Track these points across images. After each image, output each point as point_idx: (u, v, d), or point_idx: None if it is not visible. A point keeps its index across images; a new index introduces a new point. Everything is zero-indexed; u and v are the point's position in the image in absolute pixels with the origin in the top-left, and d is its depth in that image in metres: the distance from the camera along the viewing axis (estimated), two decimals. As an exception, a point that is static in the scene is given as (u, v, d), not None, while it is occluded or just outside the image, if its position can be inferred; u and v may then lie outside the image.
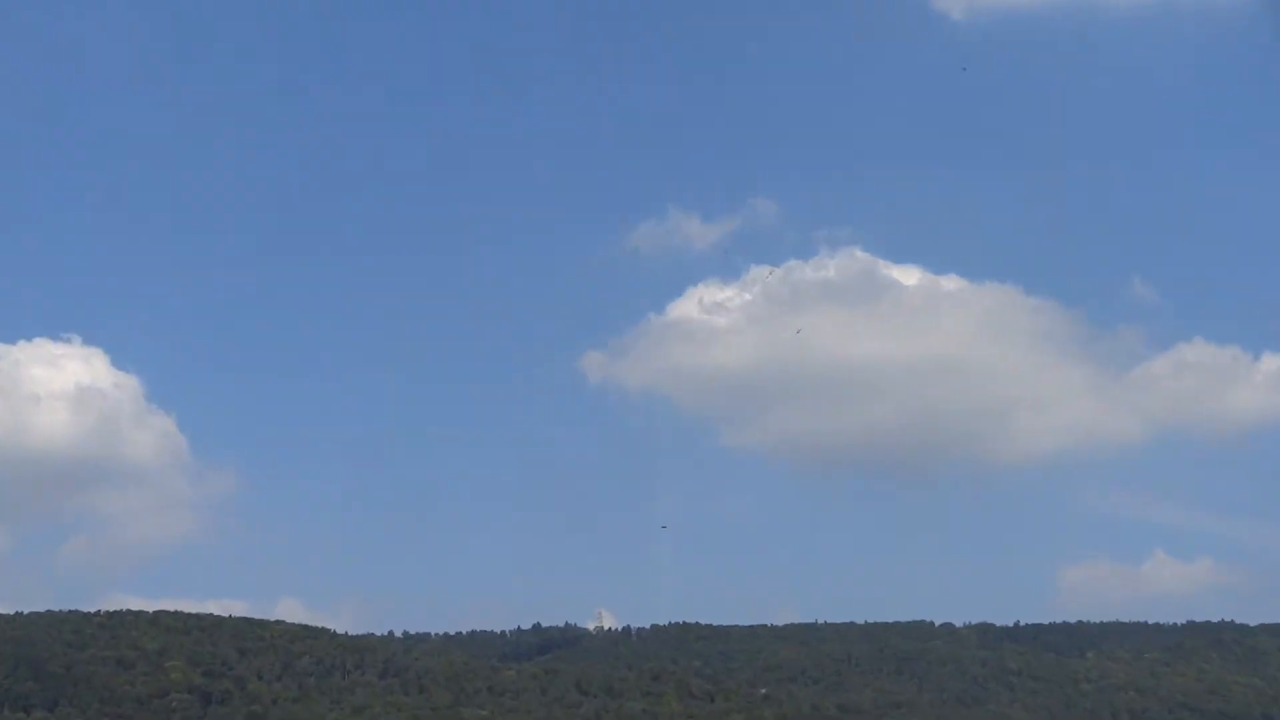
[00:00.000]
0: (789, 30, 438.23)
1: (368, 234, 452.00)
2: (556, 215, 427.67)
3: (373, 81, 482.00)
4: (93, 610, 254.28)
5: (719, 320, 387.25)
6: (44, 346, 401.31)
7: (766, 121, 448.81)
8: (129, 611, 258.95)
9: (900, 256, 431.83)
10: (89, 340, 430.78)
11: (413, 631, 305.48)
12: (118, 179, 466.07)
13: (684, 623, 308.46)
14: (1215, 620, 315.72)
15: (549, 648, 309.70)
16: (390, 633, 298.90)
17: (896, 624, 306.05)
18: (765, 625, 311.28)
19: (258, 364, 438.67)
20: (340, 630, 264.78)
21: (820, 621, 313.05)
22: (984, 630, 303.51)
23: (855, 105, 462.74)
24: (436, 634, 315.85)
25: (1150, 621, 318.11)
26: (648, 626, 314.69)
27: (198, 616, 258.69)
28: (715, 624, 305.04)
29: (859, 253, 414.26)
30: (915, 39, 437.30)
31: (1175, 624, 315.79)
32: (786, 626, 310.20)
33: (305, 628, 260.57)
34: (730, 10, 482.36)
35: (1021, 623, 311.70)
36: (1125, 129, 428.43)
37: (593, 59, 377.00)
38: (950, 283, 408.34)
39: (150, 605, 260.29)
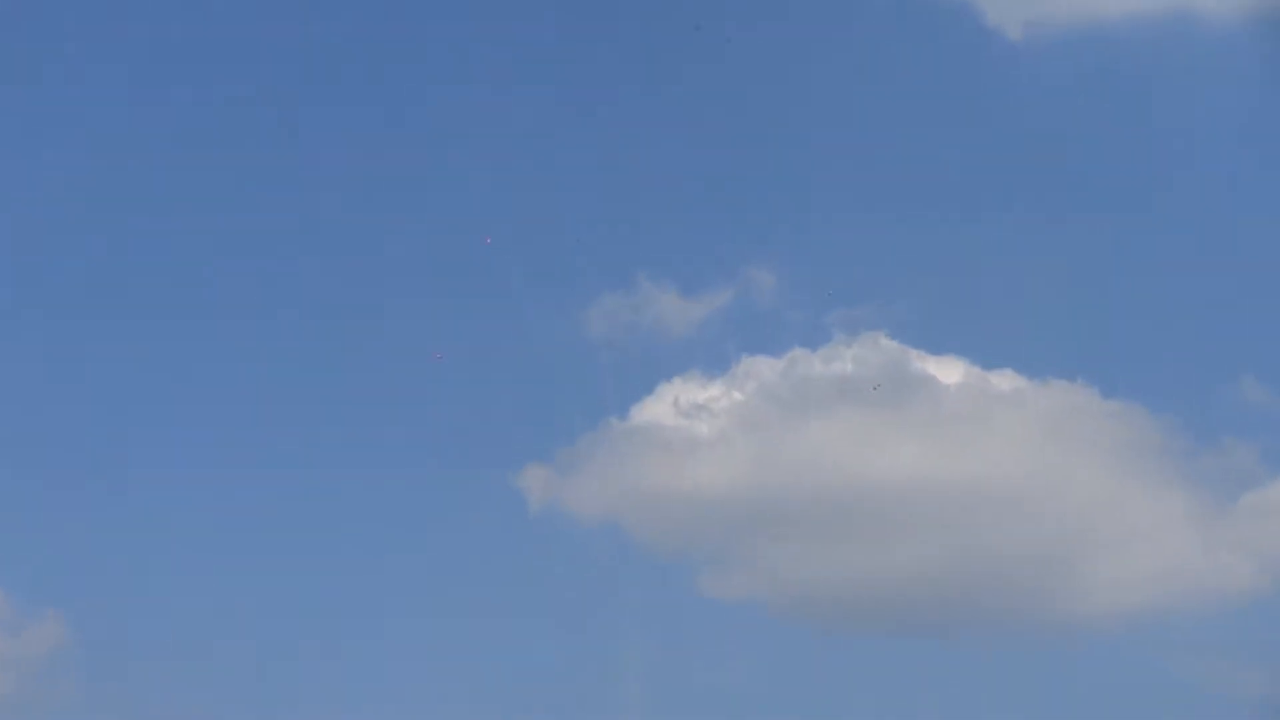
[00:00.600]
0: (800, 44, 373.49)
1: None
2: (490, 284, 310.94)
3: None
4: None
5: (701, 427, 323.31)
6: None
7: (769, 167, 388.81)
8: None
9: (939, 346, 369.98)
10: None
11: None
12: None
13: None
14: None
15: None
16: None
17: None
18: None
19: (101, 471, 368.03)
20: None
21: None
22: None
23: (879, 150, 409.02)
24: None
25: None
26: None
27: None
28: None
29: (884, 340, 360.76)
30: (965, 59, 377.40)
31: None
32: None
33: None
34: (722, 11, 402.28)
35: None
36: (1233, 186, 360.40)
37: (541, 71, 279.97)
38: (1004, 380, 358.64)
39: None
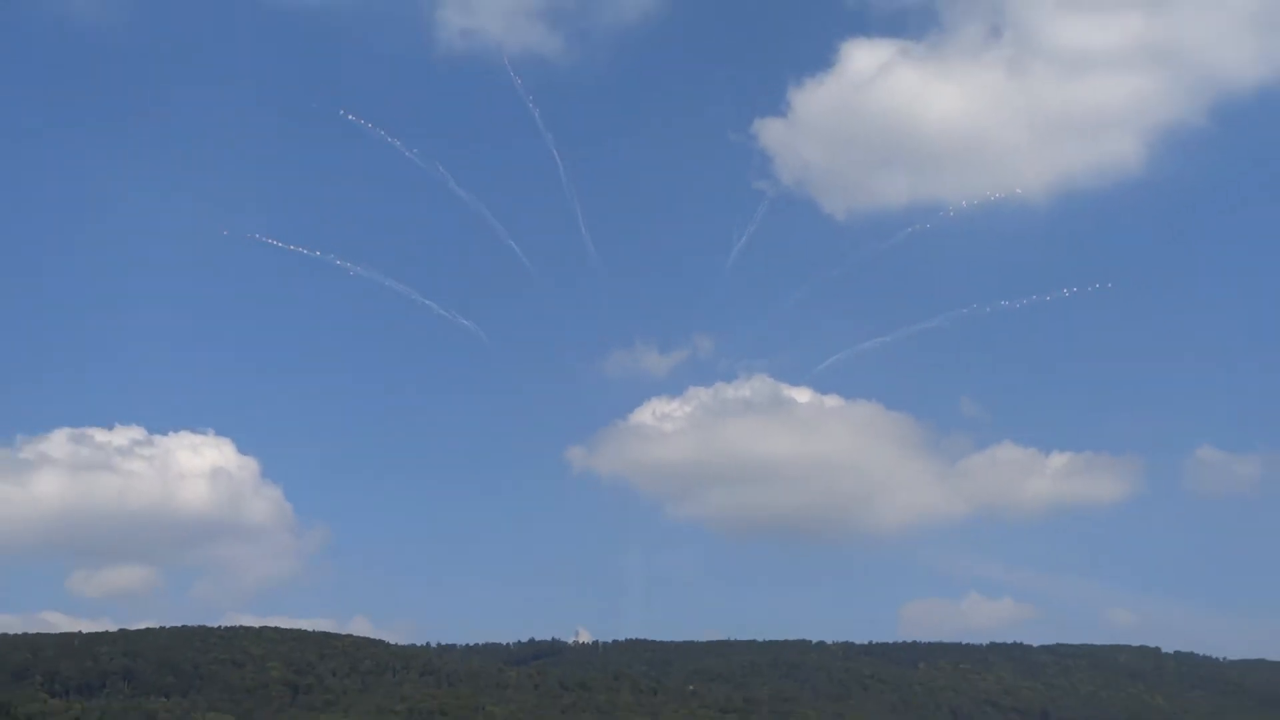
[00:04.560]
0: (711, 229, 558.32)
1: (423, 352, 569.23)
2: (554, 345, 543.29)
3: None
4: (216, 626, 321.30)
5: (667, 426, 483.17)
6: (188, 437, 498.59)
7: (707, 281, 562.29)
8: (242, 627, 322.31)
9: (795, 381, 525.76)
10: (220, 432, 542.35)
11: (444, 643, 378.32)
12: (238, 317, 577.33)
13: (638, 639, 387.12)
14: (1009, 642, 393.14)
15: (540, 655, 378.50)
16: (428, 643, 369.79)
17: (786, 641, 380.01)
18: (694, 641, 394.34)
19: (341, 452, 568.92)
20: (393, 641, 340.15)
21: (734, 639, 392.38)
22: (847, 647, 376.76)
23: (764, 273, 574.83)
24: (460, 644, 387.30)
25: (964, 642, 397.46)
26: (611, 641, 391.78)
27: (292, 631, 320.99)
28: (659, 640, 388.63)
29: (767, 378, 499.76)
30: (807, 232, 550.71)
31: (982, 644, 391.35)
32: (709, 642, 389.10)
33: (368, 640, 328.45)
34: (681, 207, 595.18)
35: (873, 641, 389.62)
36: (961, 295, 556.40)
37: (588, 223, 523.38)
38: (832, 401, 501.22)
39: (258, 622, 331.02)
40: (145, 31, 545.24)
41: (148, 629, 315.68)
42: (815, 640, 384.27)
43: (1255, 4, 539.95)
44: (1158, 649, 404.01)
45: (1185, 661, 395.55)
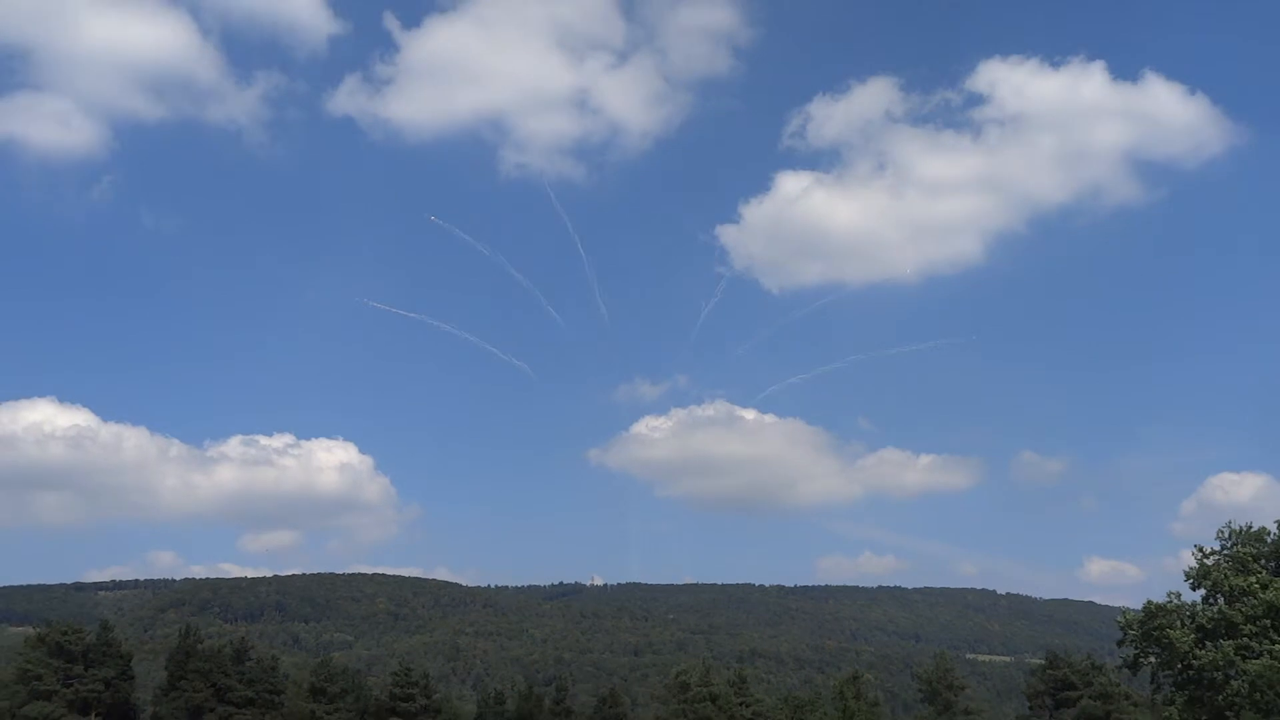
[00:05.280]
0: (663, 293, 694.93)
1: (487, 384, 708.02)
2: (578, 378, 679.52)
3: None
4: (341, 572, 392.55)
5: (656, 435, 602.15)
6: (324, 442, 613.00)
7: (684, 336, 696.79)
8: (359, 573, 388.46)
9: (744, 404, 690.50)
10: (347, 438, 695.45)
11: (501, 584, 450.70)
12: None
13: (635, 582, 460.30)
14: (892, 585, 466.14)
15: (567, 594, 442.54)
16: (490, 585, 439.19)
17: (736, 584, 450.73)
18: (673, 584, 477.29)
19: (431, 453, 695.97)
20: (464, 584, 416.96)
21: (701, 582, 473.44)
22: (779, 588, 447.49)
23: (722, 331, 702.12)
24: (511, 586, 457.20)
25: (860, 585, 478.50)
26: (616, 583, 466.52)
27: (393, 576, 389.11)
28: (649, 583, 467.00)
29: (724, 403, 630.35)
30: (746, 305, 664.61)
31: (872, 586, 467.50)
32: (684, 585, 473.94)
33: (447, 582, 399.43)
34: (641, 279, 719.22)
35: (797, 585, 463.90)
36: (857, 346, 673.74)
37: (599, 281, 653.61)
38: (769, 418, 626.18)
39: (370, 570, 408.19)
40: (303, 165, 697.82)
41: (294, 575, 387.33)
42: (757, 583, 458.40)
43: (1056, 147, 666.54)
44: (994, 590, 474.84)
45: (1013, 600, 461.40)
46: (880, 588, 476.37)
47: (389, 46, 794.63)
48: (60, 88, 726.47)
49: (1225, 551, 66.92)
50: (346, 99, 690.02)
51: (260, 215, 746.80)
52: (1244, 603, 62.84)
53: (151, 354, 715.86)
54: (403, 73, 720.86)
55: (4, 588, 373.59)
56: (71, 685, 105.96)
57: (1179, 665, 64.49)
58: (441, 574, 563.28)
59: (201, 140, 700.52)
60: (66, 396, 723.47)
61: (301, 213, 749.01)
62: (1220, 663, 61.29)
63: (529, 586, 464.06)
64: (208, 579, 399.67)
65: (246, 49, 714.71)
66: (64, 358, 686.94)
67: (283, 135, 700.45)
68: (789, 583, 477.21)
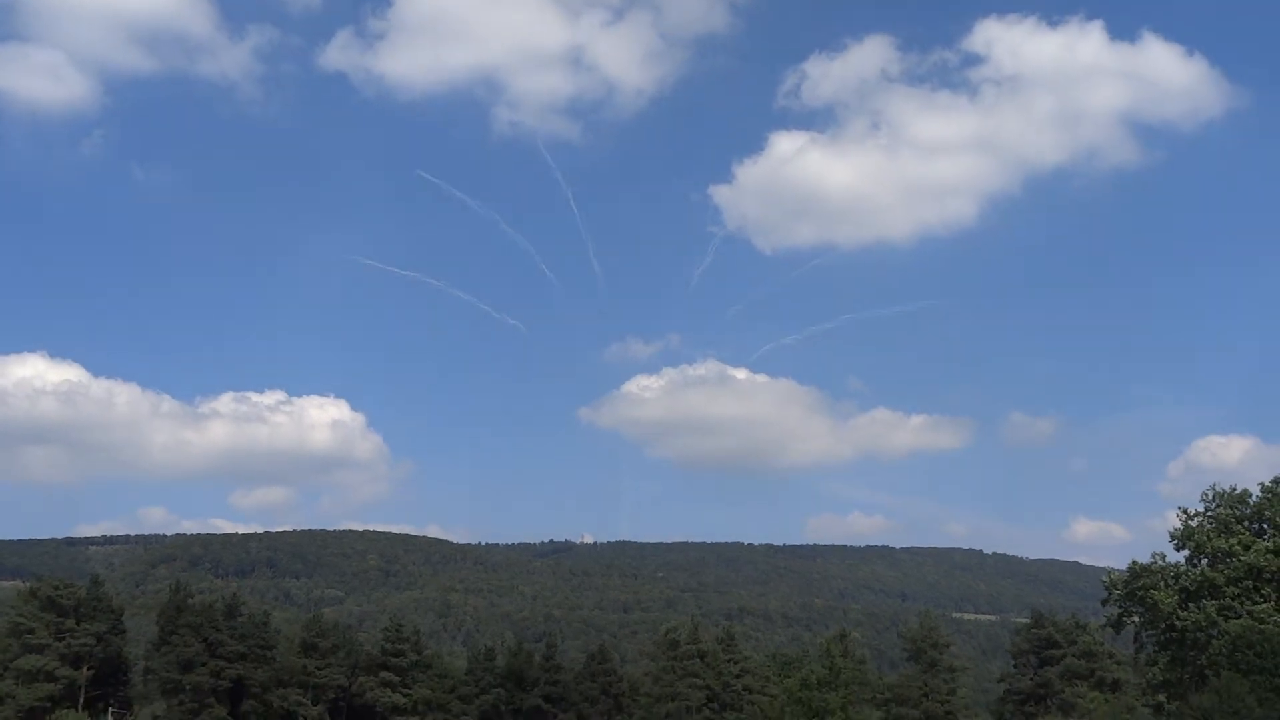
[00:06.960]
0: (658, 267, 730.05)
1: (482, 342, 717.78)
2: (571, 337, 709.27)
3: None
4: (332, 529, 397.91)
5: (647, 395, 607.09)
6: (316, 399, 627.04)
7: (677, 296, 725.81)
8: (350, 530, 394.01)
9: (736, 364, 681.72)
10: (338, 395, 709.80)
11: (492, 542, 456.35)
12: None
13: (625, 540, 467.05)
14: (880, 545, 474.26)
15: (557, 551, 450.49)
16: (481, 542, 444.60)
17: (726, 543, 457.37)
18: (663, 542, 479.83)
19: (423, 410, 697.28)
20: (455, 540, 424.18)
21: (690, 541, 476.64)
22: (769, 547, 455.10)
23: (715, 291, 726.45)
24: (502, 543, 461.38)
25: (849, 545, 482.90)
26: (607, 541, 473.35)
27: (384, 533, 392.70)
28: (639, 541, 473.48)
29: (716, 362, 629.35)
30: (741, 266, 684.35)
31: (861, 546, 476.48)
32: (673, 543, 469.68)
33: (438, 539, 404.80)
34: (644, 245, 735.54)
35: (787, 544, 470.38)
36: (849, 306, 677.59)
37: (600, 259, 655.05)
38: (761, 378, 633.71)
39: (361, 527, 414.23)
40: (295, 120, 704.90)
41: (285, 531, 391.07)
42: (746, 542, 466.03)
43: (1053, 108, 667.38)
44: (981, 550, 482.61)
45: (1000, 559, 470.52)
46: (869, 547, 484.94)
47: (382, 2, 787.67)
48: (50, 39, 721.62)
49: (1209, 513, 67.56)
50: (339, 54, 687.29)
51: (253, 171, 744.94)
52: (1226, 564, 63.57)
53: (142, 310, 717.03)
54: (395, 28, 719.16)
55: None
56: (64, 639, 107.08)
57: (1162, 625, 65.37)
58: (433, 531, 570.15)
59: (194, 94, 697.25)
60: (57, 352, 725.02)
61: (294, 168, 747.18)
62: (1203, 623, 62.14)
63: (520, 544, 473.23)
64: (199, 534, 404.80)
65: (239, 2, 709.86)
66: (54, 313, 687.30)
67: (275, 90, 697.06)
68: (778, 541, 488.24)
